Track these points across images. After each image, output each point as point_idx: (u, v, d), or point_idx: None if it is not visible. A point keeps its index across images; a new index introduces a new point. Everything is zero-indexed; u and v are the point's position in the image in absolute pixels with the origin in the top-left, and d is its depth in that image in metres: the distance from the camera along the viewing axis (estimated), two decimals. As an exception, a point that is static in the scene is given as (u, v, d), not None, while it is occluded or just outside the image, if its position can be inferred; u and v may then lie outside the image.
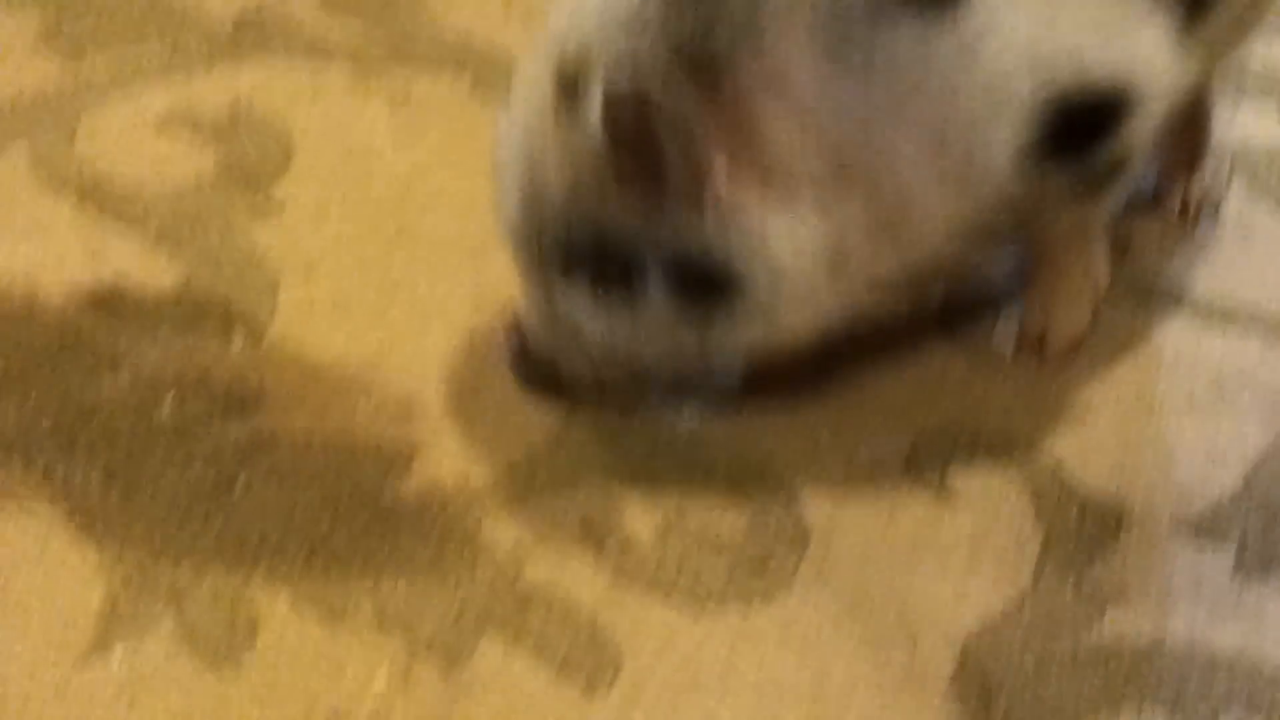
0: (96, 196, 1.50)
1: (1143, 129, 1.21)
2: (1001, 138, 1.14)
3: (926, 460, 1.30)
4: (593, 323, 1.19)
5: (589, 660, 1.10)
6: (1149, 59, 1.17)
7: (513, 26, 1.75)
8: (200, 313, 1.38)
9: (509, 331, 1.30)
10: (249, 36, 1.76)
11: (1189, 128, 1.58)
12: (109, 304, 1.37)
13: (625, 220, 1.12)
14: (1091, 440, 1.33)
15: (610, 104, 1.07)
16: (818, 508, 1.24)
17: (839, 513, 1.24)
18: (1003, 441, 1.32)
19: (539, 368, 1.28)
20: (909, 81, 1.10)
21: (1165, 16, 1.17)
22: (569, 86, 1.11)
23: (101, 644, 1.06)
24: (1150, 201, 1.62)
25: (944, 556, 1.21)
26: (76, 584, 1.11)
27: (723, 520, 1.22)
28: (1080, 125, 1.17)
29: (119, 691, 1.04)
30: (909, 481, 1.28)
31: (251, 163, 1.57)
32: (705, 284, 1.14)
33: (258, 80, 1.70)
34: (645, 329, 1.18)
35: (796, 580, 1.18)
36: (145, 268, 1.42)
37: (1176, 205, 1.59)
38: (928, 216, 1.16)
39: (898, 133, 1.11)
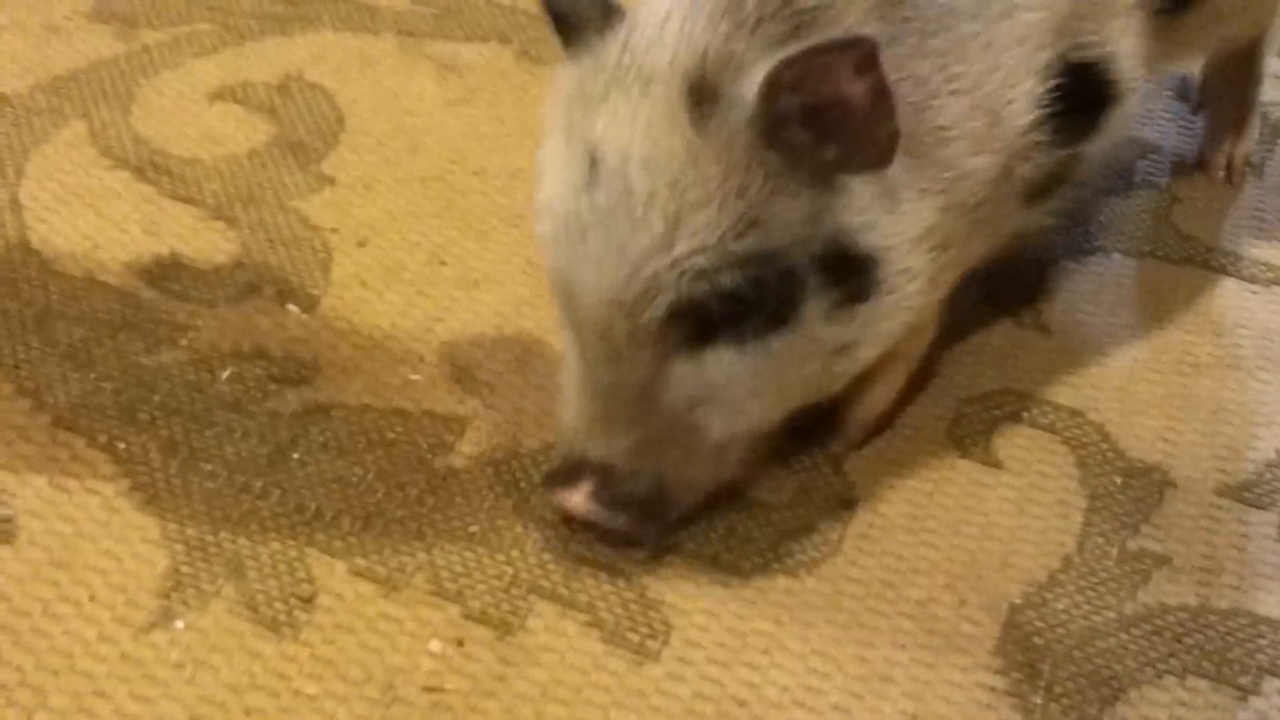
0: (153, 170, 1.53)
1: (1121, 121, 1.25)
2: (1025, 97, 1.14)
3: (971, 428, 1.31)
4: (733, 383, 1.10)
5: (638, 628, 1.12)
6: (1128, 53, 1.21)
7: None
8: (256, 285, 1.40)
9: (574, 492, 1.13)
10: (299, 10, 1.78)
11: (1234, 90, 1.58)
12: (167, 276, 1.40)
13: (784, 217, 1.04)
14: (1135, 405, 1.34)
15: (782, 69, 0.99)
16: (863, 476, 1.26)
17: (884, 480, 1.26)
18: (1046, 408, 1.33)
19: (630, 507, 1.13)
20: (958, 38, 1.11)
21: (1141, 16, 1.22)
22: (704, 93, 1.03)
23: (164, 614, 1.09)
24: (1195, 163, 1.63)
25: (989, 524, 1.22)
26: (139, 556, 1.13)
27: (769, 488, 1.24)
28: (1078, 102, 1.18)
29: (181, 660, 1.06)
30: (954, 449, 1.29)
31: (303, 135, 1.60)
32: (853, 272, 1.09)
33: (308, 54, 1.72)
34: (799, 354, 1.10)
35: (843, 548, 1.20)
36: (202, 240, 1.45)
37: (1221, 167, 1.59)
38: (970, 182, 1.15)
39: (949, 97, 1.11)
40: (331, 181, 1.54)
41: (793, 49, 1.00)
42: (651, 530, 1.15)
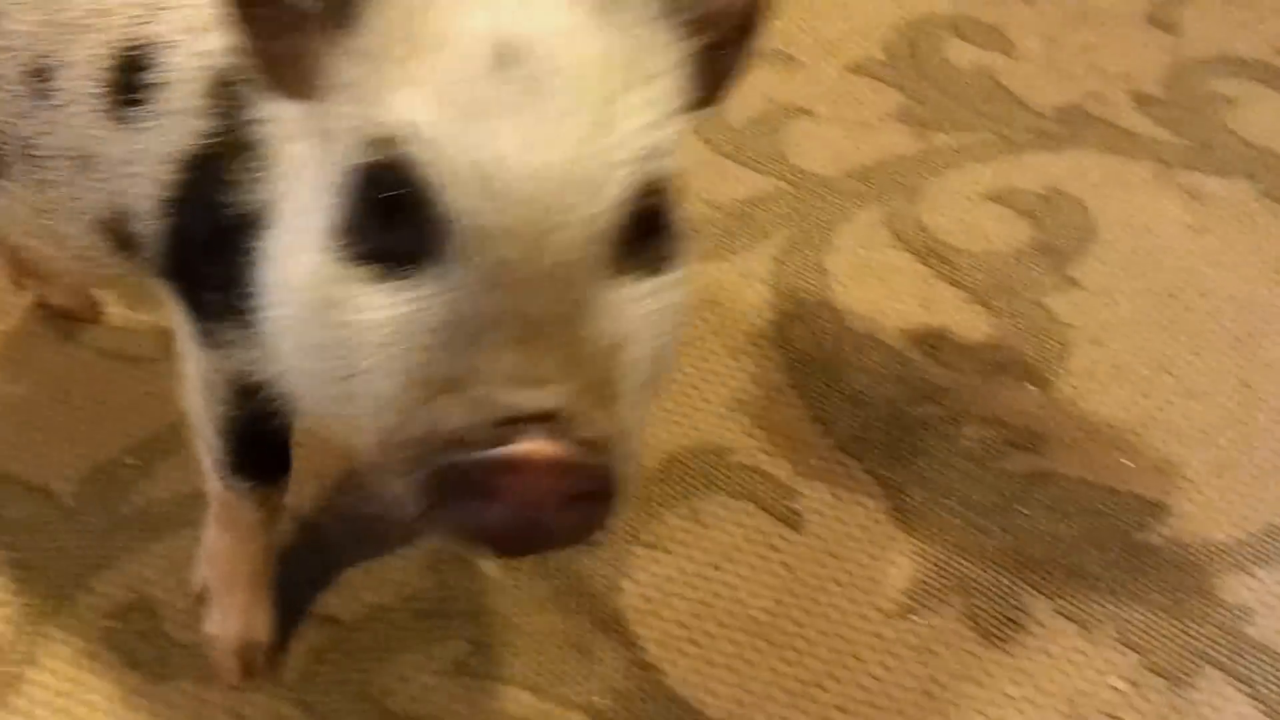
0: (932, 256, 1.84)
1: None
2: None
3: None
4: (650, 320, 0.90)
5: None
6: None
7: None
8: (1003, 364, 1.69)
9: (531, 440, 0.81)
10: (1069, 130, 2.05)
11: None
12: (933, 345, 1.71)
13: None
14: None
15: None
16: None
17: None
18: None
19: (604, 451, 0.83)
20: None
21: None
22: None
23: (906, 609, 1.40)
24: None
25: None
26: (892, 561, 1.45)
27: None
28: None
29: (915, 649, 1.36)
30: None
31: (1058, 241, 1.87)
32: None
33: (1070, 169, 1.99)
34: (677, 297, 0.93)
35: None
36: (964, 320, 1.75)
37: None
38: None
39: None
40: (1076, 284, 1.80)
41: None
42: (625, 492, 0.85)
